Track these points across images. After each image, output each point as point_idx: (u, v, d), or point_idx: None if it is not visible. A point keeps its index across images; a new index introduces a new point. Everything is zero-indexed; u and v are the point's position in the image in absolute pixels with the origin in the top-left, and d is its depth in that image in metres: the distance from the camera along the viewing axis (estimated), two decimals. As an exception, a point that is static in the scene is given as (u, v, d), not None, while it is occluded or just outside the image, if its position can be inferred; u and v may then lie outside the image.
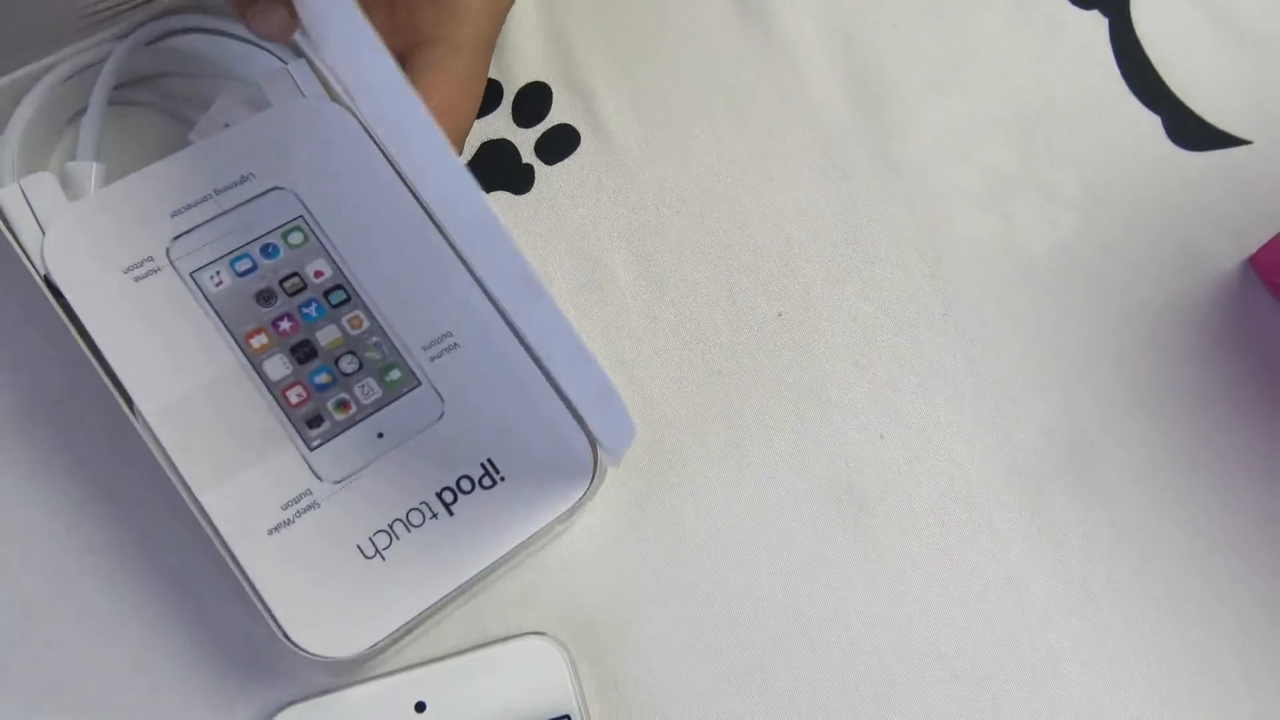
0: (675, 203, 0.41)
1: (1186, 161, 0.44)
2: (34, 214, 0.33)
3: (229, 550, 0.31)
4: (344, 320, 0.34)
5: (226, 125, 0.36)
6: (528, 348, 0.34)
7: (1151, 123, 0.45)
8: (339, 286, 0.35)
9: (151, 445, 0.32)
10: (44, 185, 0.33)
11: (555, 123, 0.42)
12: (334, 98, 0.36)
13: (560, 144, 0.42)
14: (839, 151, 0.43)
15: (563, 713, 0.33)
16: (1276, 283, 0.42)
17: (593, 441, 0.34)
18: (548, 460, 0.33)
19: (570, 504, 0.33)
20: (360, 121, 0.36)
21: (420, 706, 0.33)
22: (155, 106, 0.38)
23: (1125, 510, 0.38)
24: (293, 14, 0.35)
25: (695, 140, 0.42)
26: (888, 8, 0.46)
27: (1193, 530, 0.38)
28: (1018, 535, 0.38)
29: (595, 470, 0.34)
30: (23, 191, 0.33)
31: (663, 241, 0.40)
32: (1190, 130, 0.45)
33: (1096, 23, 0.47)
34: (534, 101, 0.42)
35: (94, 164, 0.35)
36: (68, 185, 0.34)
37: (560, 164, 0.41)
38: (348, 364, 0.34)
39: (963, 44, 0.46)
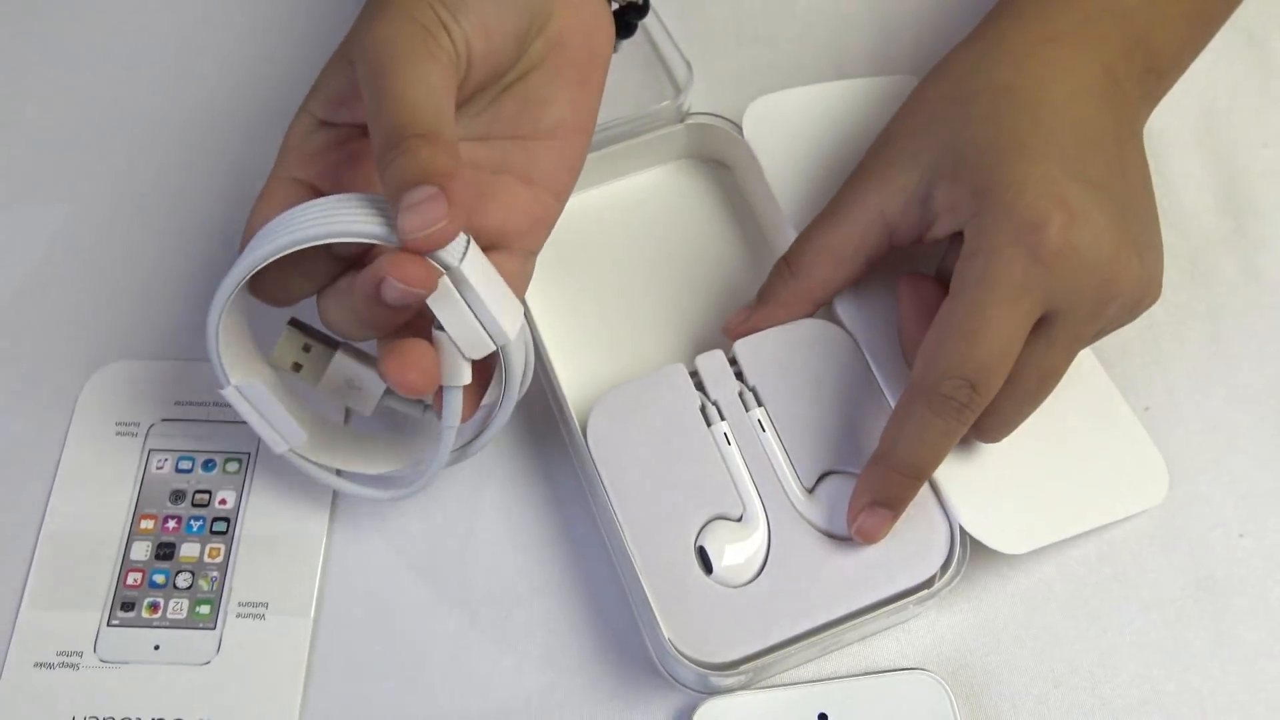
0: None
1: None
2: None
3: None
4: (208, 546, 0.41)
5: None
6: None
7: None
8: (227, 520, 0.41)
9: None
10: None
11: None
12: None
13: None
14: (1206, 258, 0.46)
15: (945, 742, 0.37)
16: None
17: (954, 530, 0.38)
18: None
19: (920, 579, 0.38)
20: None
21: (823, 717, 0.38)
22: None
23: None
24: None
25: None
26: (1260, 128, 0.49)
27: None
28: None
29: (953, 556, 0.38)
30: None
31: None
32: None
33: None
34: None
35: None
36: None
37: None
38: (183, 580, 0.40)
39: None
